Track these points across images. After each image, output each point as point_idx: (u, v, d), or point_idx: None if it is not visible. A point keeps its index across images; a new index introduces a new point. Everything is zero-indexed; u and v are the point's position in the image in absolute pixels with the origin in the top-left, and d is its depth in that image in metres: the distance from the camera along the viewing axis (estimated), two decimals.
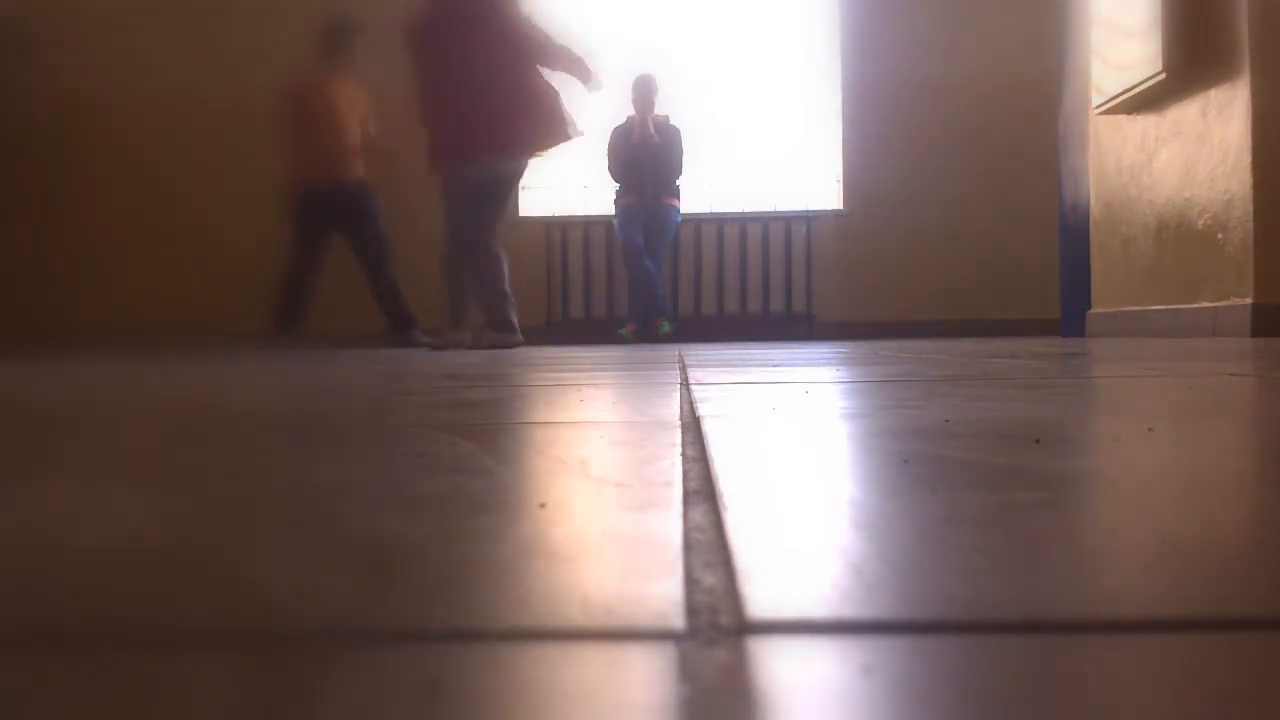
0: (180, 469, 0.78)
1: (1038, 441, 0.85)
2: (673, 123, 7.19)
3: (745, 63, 7.96)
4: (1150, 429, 0.94)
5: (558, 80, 5.11)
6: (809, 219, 7.81)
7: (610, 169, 7.17)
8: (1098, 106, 5.49)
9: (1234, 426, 0.97)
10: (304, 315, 6.07)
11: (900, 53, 7.80)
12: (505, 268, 5.17)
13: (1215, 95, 4.56)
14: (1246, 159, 4.34)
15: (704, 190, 7.89)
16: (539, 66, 5.04)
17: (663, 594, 0.40)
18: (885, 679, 0.31)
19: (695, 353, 3.74)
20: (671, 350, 4.28)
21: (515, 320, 5.18)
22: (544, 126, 5.03)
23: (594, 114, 7.77)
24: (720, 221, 7.80)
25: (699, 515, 0.56)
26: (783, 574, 0.43)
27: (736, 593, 0.40)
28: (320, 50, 6.03)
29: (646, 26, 7.99)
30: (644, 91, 7.08)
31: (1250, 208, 4.33)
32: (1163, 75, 4.76)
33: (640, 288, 6.95)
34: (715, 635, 0.35)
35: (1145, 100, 5.14)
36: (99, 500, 0.65)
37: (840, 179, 7.88)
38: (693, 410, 1.21)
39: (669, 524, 0.54)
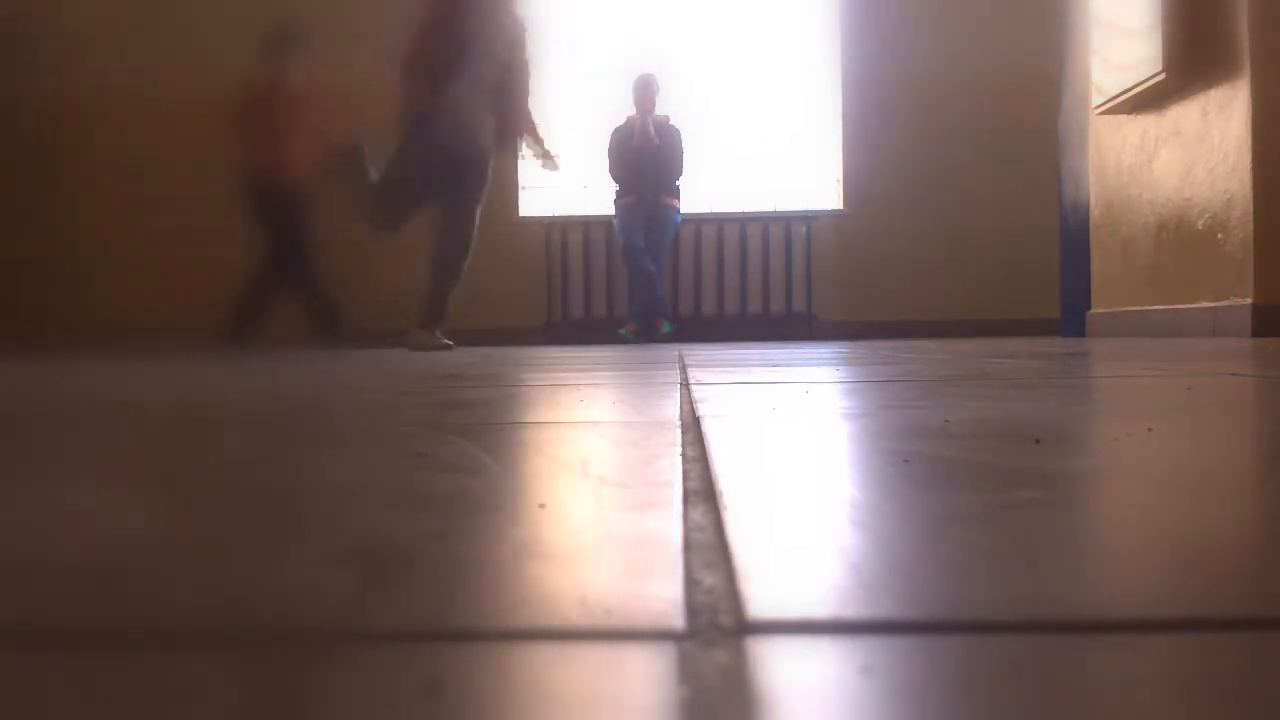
0: (179, 469, 0.78)
1: (1038, 441, 0.85)
2: (673, 123, 7.19)
3: (745, 63, 7.97)
4: (1150, 429, 0.94)
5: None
6: (809, 219, 7.81)
7: (610, 170, 7.17)
8: (1098, 106, 5.49)
9: (1234, 426, 0.97)
10: (263, 323, 6.05)
11: (900, 53, 7.80)
12: None
13: (1215, 95, 4.56)
14: (1246, 159, 4.34)
15: (704, 190, 7.89)
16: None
17: (663, 594, 0.40)
18: (885, 679, 0.31)
19: (695, 353, 3.74)
20: (671, 350, 4.28)
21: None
22: None
23: (596, 113, 7.79)
24: (720, 222, 7.80)
25: (699, 515, 0.56)
26: (783, 574, 0.43)
27: (736, 593, 0.40)
28: (266, 57, 6.07)
29: (646, 26, 7.99)
30: (644, 91, 7.08)
31: (1250, 208, 4.33)
32: (1163, 75, 4.76)
33: (640, 288, 6.95)
34: (715, 635, 0.35)
35: (1145, 100, 5.14)
36: (97, 500, 0.65)
37: (840, 179, 7.88)
38: (693, 410, 1.21)
39: (669, 524, 0.54)
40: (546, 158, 5.47)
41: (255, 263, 6.05)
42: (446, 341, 5.29)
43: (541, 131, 5.48)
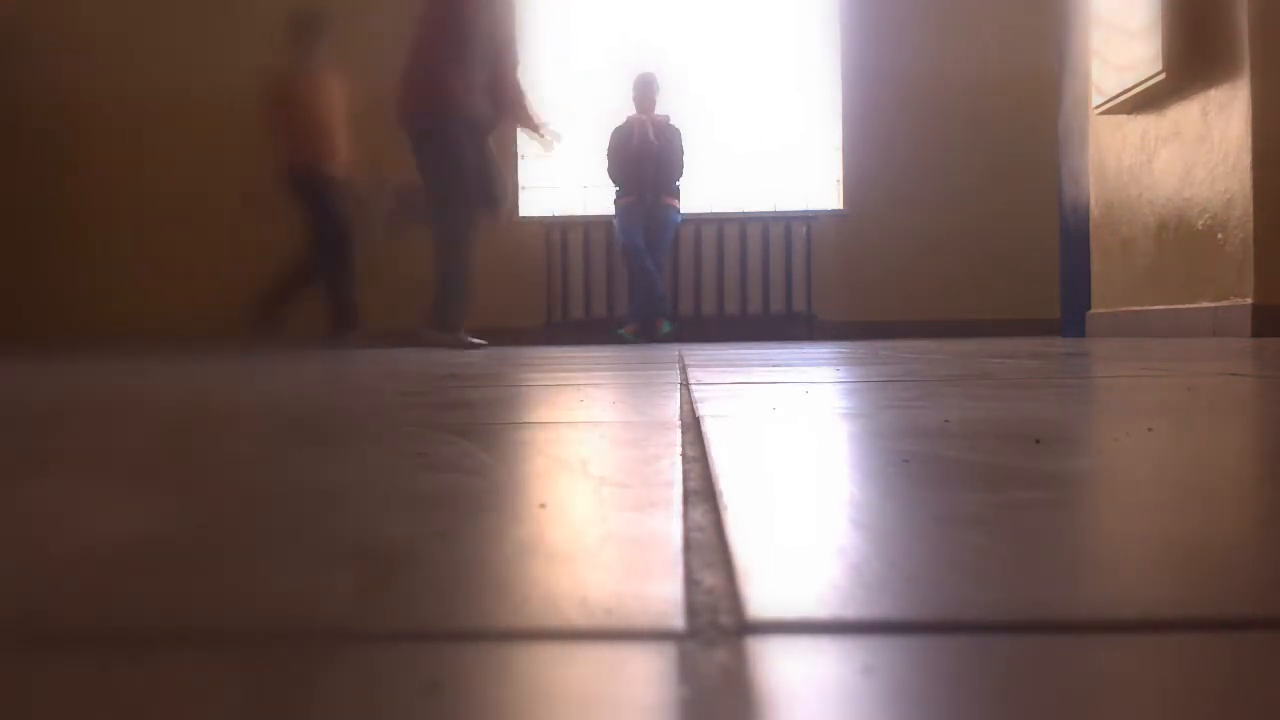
0: (180, 469, 0.78)
1: (1038, 441, 0.85)
2: (673, 123, 7.19)
3: (745, 62, 7.96)
4: (1150, 429, 0.94)
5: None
6: (809, 219, 7.81)
7: (610, 170, 7.16)
8: (1098, 106, 5.49)
9: (1234, 426, 0.97)
10: (288, 314, 5.98)
11: (900, 53, 7.80)
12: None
13: (1215, 95, 4.56)
14: (1246, 159, 4.34)
15: (704, 190, 7.89)
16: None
17: (663, 594, 0.40)
18: (885, 679, 0.31)
19: (695, 353, 3.74)
20: (671, 350, 4.28)
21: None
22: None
23: (595, 113, 7.79)
24: (720, 221, 7.80)
25: (699, 515, 0.56)
26: (783, 574, 0.43)
27: (736, 593, 0.40)
28: (290, 43, 5.98)
29: (645, 25, 7.98)
30: (644, 91, 7.08)
31: (1250, 208, 4.33)
32: (1163, 75, 4.76)
33: (640, 288, 6.95)
34: (715, 635, 0.35)
35: (1145, 100, 5.14)
36: (98, 500, 0.65)
37: (840, 179, 7.88)
38: (693, 410, 1.21)
39: (669, 524, 0.54)
40: (543, 132, 5.23)
41: (298, 250, 5.96)
42: (475, 340, 5.29)
43: (534, 105, 5.25)
